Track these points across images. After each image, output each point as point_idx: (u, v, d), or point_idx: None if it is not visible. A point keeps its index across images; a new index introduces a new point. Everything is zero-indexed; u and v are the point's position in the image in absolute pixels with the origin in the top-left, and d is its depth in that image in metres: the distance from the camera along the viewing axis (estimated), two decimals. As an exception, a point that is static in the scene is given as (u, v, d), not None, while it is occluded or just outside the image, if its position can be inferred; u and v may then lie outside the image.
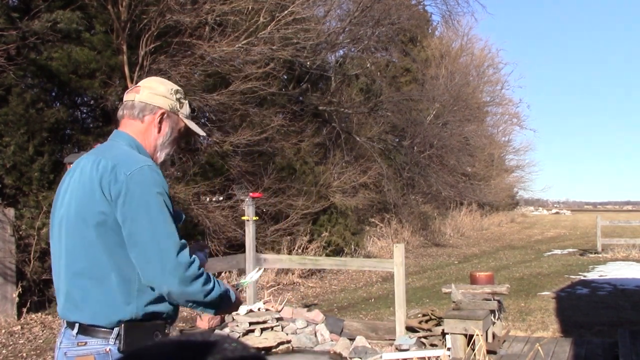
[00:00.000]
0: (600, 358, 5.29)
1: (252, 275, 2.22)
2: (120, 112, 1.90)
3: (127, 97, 1.89)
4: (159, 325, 1.73)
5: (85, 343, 1.67)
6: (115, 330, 1.66)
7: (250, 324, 6.11)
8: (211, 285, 1.69)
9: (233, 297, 1.81)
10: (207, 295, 1.68)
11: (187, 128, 1.94)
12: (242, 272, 8.57)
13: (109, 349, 1.66)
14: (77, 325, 1.68)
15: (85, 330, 1.67)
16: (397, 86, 19.06)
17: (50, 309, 7.31)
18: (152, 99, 1.86)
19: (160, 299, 1.71)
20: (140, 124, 1.86)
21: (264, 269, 9.85)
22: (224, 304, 1.77)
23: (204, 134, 2.13)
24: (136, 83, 2.03)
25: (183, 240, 1.68)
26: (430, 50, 22.87)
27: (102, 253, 1.66)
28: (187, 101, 1.96)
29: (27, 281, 7.27)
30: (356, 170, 14.73)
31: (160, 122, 1.87)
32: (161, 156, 1.90)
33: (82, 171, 1.75)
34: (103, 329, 1.67)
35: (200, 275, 1.66)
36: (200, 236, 9.45)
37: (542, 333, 6.70)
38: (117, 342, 1.66)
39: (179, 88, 1.95)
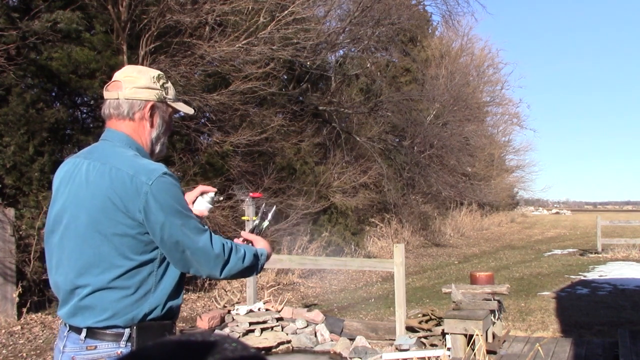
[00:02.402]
0: (600, 358, 5.29)
1: (269, 216, 2.22)
2: (106, 111, 1.81)
3: (109, 94, 1.80)
4: (167, 325, 1.74)
5: (95, 347, 1.65)
6: (127, 332, 1.66)
7: (250, 324, 6.11)
8: (242, 250, 1.79)
9: (257, 249, 1.89)
10: (244, 260, 1.78)
11: (176, 111, 1.91)
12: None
13: (121, 352, 1.65)
14: (84, 329, 1.66)
15: (95, 334, 1.66)
16: (397, 86, 19.06)
17: (51, 309, 7.31)
18: (138, 93, 1.78)
19: (171, 296, 1.73)
20: (131, 123, 1.79)
21: (264, 268, 9.85)
22: (257, 259, 1.87)
23: (193, 110, 2.10)
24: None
25: (206, 227, 1.76)
26: (430, 50, 22.87)
27: (119, 260, 1.65)
28: (169, 83, 1.88)
29: (27, 281, 7.27)
30: (356, 170, 14.74)
31: (151, 116, 1.81)
32: (157, 148, 1.87)
33: (87, 179, 1.69)
34: (113, 332, 1.65)
35: (230, 249, 1.76)
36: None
37: (542, 333, 6.70)
38: (129, 344, 1.66)
39: (160, 72, 1.86)
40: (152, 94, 1.80)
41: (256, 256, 1.84)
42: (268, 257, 1.93)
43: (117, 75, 1.83)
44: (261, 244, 1.95)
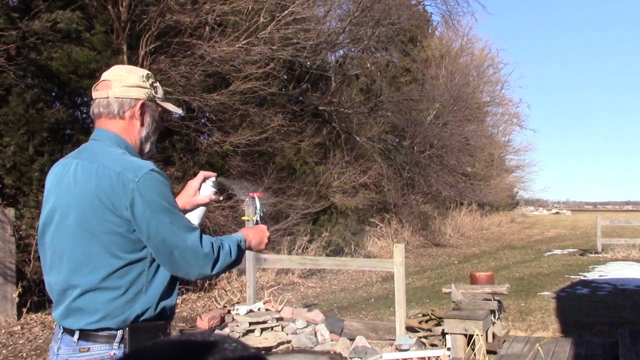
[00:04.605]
0: (600, 358, 5.29)
1: (256, 205, 2.22)
2: (95, 110, 1.80)
3: (98, 94, 1.79)
4: (161, 325, 1.73)
5: (88, 349, 1.65)
6: (119, 334, 1.65)
7: (250, 324, 6.11)
8: (226, 245, 1.77)
9: (237, 237, 1.86)
10: (231, 255, 1.77)
11: (165, 110, 1.91)
12: (242, 272, 8.58)
13: (114, 354, 1.64)
14: (77, 331, 1.65)
15: (88, 336, 1.65)
16: (397, 86, 19.05)
17: (50, 309, 7.30)
18: (128, 92, 1.78)
19: (164, 296, 1.71)
20: (121, 121, 1.79)
21: (264, 268, 9.85)
22: (240, 248, 1.84)
23: (181, 111, 2.11)
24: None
25: (196, 226, 1.75)
26: (430, 50, 22.86)
27: (108, 258, 1.64)
28: (158, 83, 1.89)
29: (27, 281, 7.27)
30: (356, 170, 14.74)
31: (141, 115, 1.81)
32: (146, 147, 1.86)
33: (76, 179, 1.69)
34: (106, 334, 1.64)
35: (219, 247, 1.74)
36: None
37: (542, 333, 6.70)
38: (122, 346, 1.65)
39: (148, 72, 1.87)
40: (142, 92, 1.80)
41: (239, 247, 1.83)
42: (247, 240, 1.90)
43: (106, 74, 1.83)
44: (241, 232, 1.93)
